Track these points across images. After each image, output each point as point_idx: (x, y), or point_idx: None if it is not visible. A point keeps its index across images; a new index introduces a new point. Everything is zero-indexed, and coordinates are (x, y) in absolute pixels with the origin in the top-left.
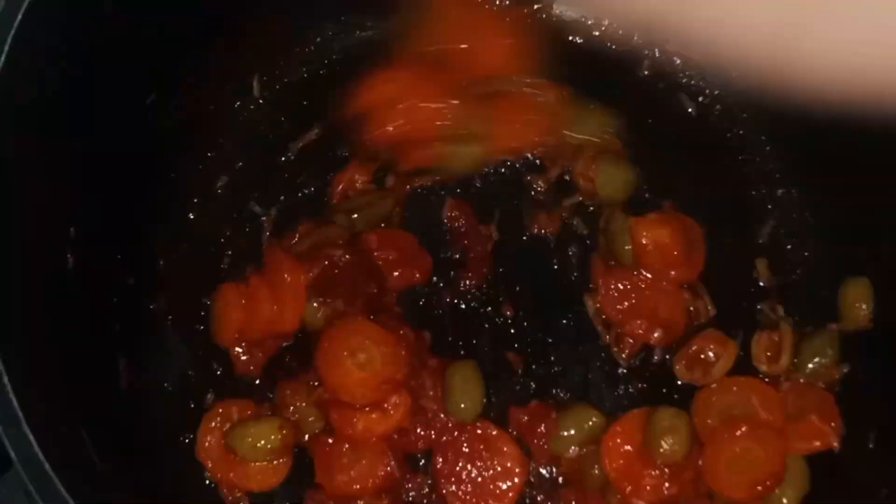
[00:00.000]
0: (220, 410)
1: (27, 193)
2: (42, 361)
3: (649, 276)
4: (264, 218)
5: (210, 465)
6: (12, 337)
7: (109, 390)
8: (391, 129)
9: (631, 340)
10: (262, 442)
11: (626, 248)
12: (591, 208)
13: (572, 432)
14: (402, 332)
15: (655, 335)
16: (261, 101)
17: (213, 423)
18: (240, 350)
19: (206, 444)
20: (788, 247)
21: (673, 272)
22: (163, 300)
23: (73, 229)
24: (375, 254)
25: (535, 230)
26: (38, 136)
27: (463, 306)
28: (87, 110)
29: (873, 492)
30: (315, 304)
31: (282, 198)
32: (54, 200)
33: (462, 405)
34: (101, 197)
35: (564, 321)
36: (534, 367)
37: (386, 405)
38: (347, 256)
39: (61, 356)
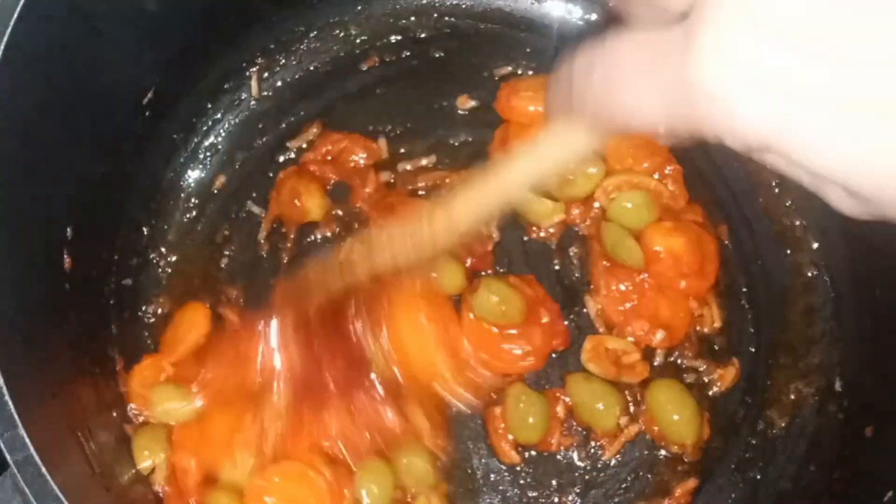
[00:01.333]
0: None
1: (23, 193)
2: (39, 363)
3: (656, 284)
4: (263, 218)
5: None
6: (9, 339)
7: (106, 392)
8: None
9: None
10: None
11: (634, 252)
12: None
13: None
14: None
15: (658, 337)
16: (259, 100)
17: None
18: None
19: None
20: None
21: (684, 283)
22: (160, 302)
23: (69, 230)
24: None
25: (536, 230)
26: (34, 134)
27: None
28: (85, 108)
29: (878, 493)
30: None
31: None
32: (50, 200)
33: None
34: (97, 197)
35: (566, 322)
36: None
37: None
38: None
39: (58, 358)
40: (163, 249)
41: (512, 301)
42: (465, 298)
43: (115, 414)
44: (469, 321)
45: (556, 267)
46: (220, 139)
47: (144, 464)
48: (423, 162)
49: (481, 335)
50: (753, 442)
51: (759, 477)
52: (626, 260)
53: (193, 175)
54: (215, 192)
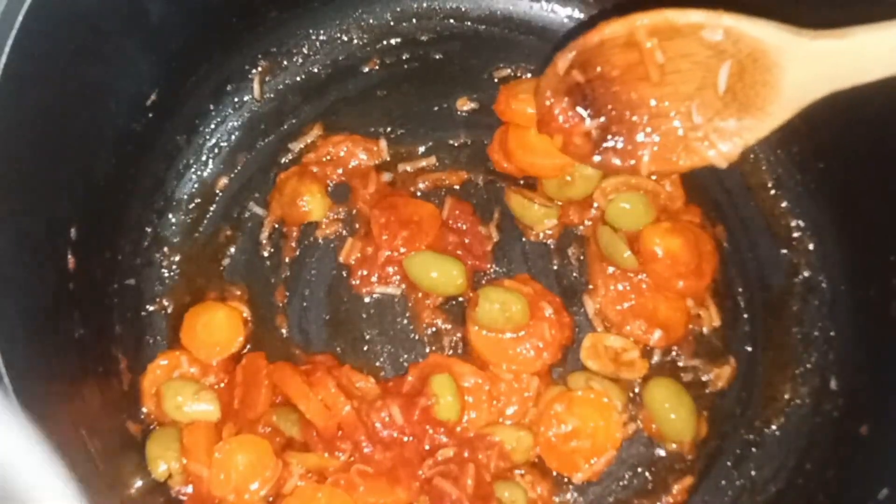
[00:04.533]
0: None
1: (27, 194)
2: (43, 362)
3: (654, 283)
4: (265, 218)
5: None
6: (13, 338)
7: (110, 391)
8: None
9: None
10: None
11: (626, 254)
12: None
13: None
14: None
15: (655, 336)
16: (262, 102)
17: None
18: None
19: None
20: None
21: (681, 282)
22: (163, 301)
23: (73, 230)
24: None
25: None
26: (38, 136)
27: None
28: (89, 110)
29: (873, 491)
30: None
31: None
32: (54, 201)
33: None
34: (101, 197)
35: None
36: None
37: None
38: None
39: (62, 357)
40: (166, 250)
41: (514, 303)
42: (469, 315)
43: (118, 412)
44: (475, 335)
45: (555, 267)
46: (222, 140)
47: (160, 469)
48: (423, 163)
49: (491, 346)
50: (750, 440)
51: (755, 474)
52: (619, 263)
53: (196, 176)
54: (218, 192)
